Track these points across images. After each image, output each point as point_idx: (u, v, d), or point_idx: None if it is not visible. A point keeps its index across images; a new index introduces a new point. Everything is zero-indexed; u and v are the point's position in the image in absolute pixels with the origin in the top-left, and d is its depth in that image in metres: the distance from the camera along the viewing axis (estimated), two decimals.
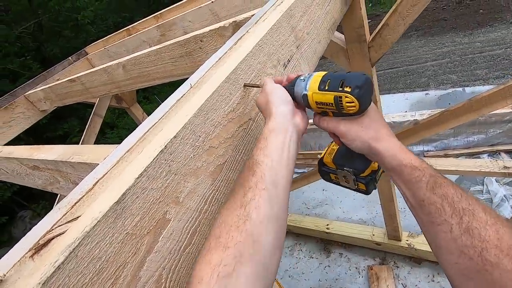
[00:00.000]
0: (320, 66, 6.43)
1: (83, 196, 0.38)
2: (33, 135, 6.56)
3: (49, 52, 7.74)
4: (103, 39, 2.40)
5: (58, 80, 2.27)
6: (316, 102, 0.50)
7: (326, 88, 0.48)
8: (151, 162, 0.40)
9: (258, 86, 0.58)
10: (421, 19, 6.48)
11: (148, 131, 0.47)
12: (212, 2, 1.59)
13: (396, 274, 2.51)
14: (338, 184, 0.62)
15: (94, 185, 0.39)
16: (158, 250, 0.40)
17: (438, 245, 0.39)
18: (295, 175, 2.90)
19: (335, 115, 0.52)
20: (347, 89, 0.45)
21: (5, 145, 2.01)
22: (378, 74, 5.43)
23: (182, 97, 0.54)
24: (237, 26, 0.94)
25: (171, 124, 0.46)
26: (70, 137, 7.00)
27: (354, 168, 0.55)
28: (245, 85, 0.58)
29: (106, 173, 0.41)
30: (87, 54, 2.49)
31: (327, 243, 3.02)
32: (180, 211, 0.44)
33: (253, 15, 0.87)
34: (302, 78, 0.52)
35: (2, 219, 5.96)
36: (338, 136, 0.53)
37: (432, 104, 4.06)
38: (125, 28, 2.25)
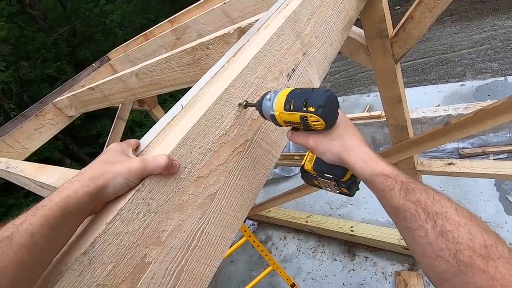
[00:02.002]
0: (345, 58, 6.17)
1: None
2: (70, 135, 7.02)
3: (82, 56, 8.18)
4: (122, 45, 2.46)
5: (83, 86, 2.37)
6: (284, 121, 0.51)
7: (291, 108, 0.48)
8: (126, 203, 0.37)
9: (253, 105, 0.53)
10: (456, 2, 5.95)
11: None
12: (224, 3, 1.55)
13: (426, 281, 2.35)
14: (321, 188, 0.62)
15: None
16: None
17: (416, 249, 0.41)
18: None
19: (305, 130, 0.52)
20: (311, 108, 0.46)
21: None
22: (407, 64, 5.08)
23: (172, 120, 0.51)
24: (241, 32, 0.89)
25: None
26: (102, 137, 7.40)
27: (334, 175, 0.55)
28: (239, 104, 0.54)
29: None
30: (110, 60, 2.57)
31: (351, 245, 2.91)
32: (162, 252, 0.40)
33: (257, 20, 0.81)
34: (268, 97, 0.52)
35: None
36: (310, 150, 0.54)
37: (469, 96, 3.73)
38: (142, 34, 2.28)
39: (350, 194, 0.56)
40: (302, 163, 0.61)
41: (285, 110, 0.49)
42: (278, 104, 0.50)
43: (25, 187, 1.17)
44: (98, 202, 0.38)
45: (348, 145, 0.49)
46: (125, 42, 2.50)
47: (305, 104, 0.46)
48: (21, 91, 6.56)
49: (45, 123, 2.17)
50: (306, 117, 0.47)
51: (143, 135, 0.50)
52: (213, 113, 0.49)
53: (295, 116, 0.48)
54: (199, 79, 0.62)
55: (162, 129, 0.49)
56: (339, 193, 0.58)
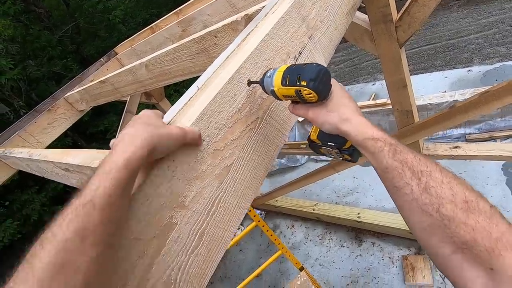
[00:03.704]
0: (350, 47, 6.12)
1: None
2: (78, 131, 7.15)
3: (87, 52, 8.24)
4: (129, 39, 2.49)
5: (92, 81, 2.42)
6: (283, 95, 0.55)
7: (287, 83, 0.52)
8: (153, 169, 0.41)
9: (256, 83, 0.58)
10: None
11: None
12: None
13: (433, 264, 2.39)
14: (326, 155, 0.67)
15: None
16: (166, 252, 0.42)
17: (403, 207, 0.43)
18: (322, 164, 2.84)
19: (303, 103, 0.56)
20: (303, 83, 0.50)
21: (51, 143, 2.22)
22: (413, 51, 5.03)
23: (189, 100, 0.55)
24: (249, 19, 0.92)
25: None
26: (110, 132, 7.52)
27: (336, 143, 0.60)
28: (249, 83, 0.57)
29: None
30: (117, 54, 2.61)
31: (358, 231, 2.96)
32: (186, 215, 0.45)
33: (264, 6, 0.84)
34: (268, 74, 0.56)
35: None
36: (310, 121, 0.57)
37: (476, 81, 3.69)
38: (148, 27, 2.32)
39: (353, 159, 0.60)
40: (309, 134, 0.66)
41: (282, 85, 0.53)
42: (277, 80, 0.54)
43: (45, 175, 1.23)
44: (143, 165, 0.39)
45: (343, 116, 0.52)
46: (129, 37, 2.54)
47: (298, 79, 0.50)
48: (29, 90, 6.67)
49: (57, 117, 2.24)
50: (300, 90, 0.51)
51: None
52: (227, 91, 0.53)
53: (291, 90, 0.52)
54: (207, 68, 0.66)
55: (181, 109, 0.54)
56: (343, 159, 0.62)
